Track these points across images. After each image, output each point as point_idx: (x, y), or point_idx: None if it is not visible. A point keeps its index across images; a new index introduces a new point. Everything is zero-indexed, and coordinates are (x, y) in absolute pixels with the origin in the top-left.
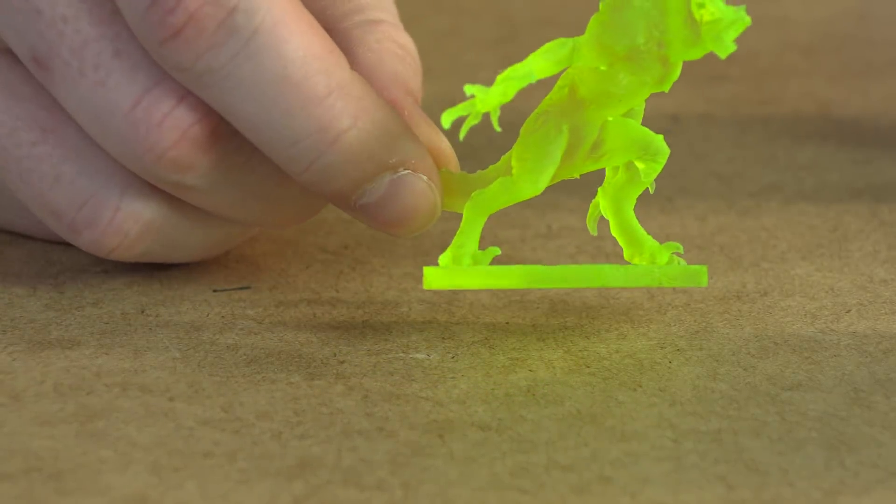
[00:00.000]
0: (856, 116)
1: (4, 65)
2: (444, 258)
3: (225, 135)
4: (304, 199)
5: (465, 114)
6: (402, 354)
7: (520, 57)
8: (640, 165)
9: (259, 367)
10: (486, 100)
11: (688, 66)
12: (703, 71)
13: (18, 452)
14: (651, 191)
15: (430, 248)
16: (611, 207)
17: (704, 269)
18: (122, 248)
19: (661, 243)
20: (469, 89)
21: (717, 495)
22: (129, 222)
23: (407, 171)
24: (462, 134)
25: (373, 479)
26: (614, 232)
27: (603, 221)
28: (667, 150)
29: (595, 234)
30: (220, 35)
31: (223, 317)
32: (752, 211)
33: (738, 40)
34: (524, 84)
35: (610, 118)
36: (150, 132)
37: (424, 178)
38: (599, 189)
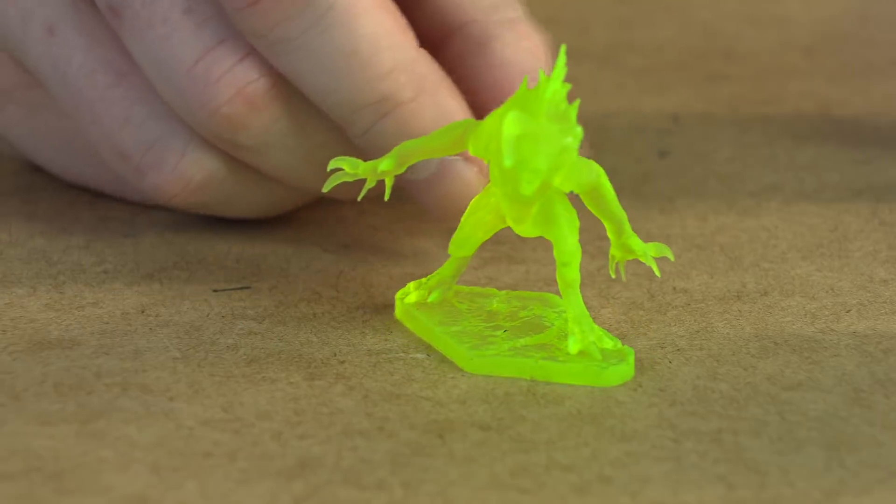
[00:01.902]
0: (856, 116)
1: (86, 8)
2: (406, 289)
3: (280, 99)
4: None
5: (351, 180)
6: (402, 354)
7: None
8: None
9: (259, 367)
10: (383, 167)
11: (688, 66)
12: (703, 71)
13: (18, 452)
14: (657, 274)
15: (430, 248)
16: (558, 279)
17: (620, 364)
18: (183, 194)
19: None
20: (336, 163)
21: (717, 495)
22: (193, 169)
23: (459, 158)
24: (361, 195)
25: (373, 479)
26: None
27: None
28: (572, 251)
29: (614, 276)
30: (297, 7)
31: (223, 317)
32: (752, 211)
33: (738, 40)
34: (417, 160)
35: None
36: (207, 88)
37: (476, 168)
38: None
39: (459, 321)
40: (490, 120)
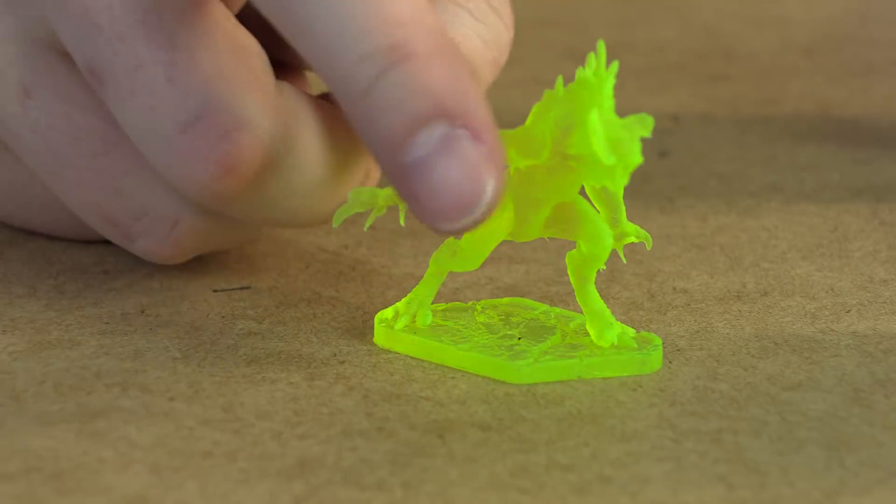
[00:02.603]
0: (856, 116)
1: (64, 70)
2: (384, 313)
3: (272, 167)
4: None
5: (361, 210)
6: (402, 354)
7: (520, 56)
8: (583, 248)
9: (259, 367)
10: (389, 195)
11: (688, 66)
12: (703, 71)
13: (18, 452)
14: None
15: (430, 248)
16: (573, 276)
17: (657, 348)
18: (177, 257)
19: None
20: (356, 195)
21: (717, 495)
22: (187, 235)
23: (465, 131)
24: (367, 224)
25: (373, 479)
26: (578, 300)
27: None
28: (609, 244)
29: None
30: None
31: (223, 317)
32: (752, 211)
33: (738, 40)
34: None
35: (567, 197)
36: (193, 163)
37: (485, 148)
38: (567, 255)
39: (469, 337)
40: (538, 122)
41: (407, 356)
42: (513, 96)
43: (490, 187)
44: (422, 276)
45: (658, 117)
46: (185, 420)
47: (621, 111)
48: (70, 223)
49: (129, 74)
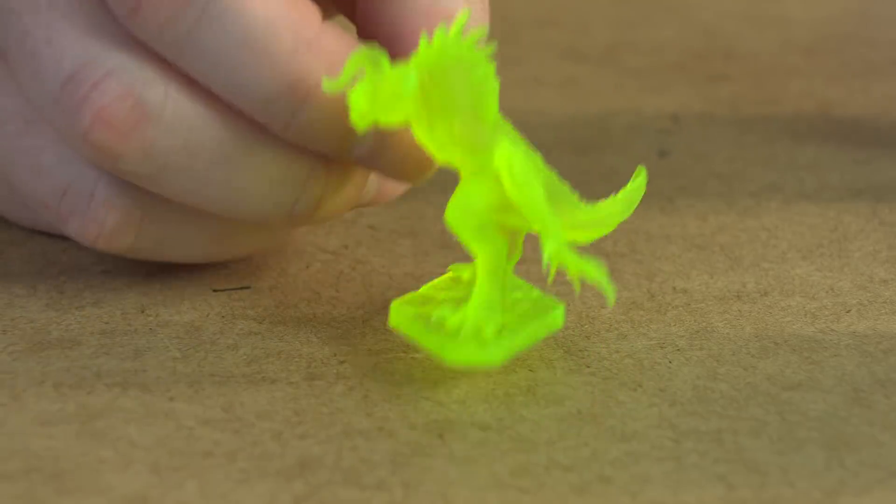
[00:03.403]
0: (856, 116)
1: None
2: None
3: (148, 118)
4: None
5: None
6: (402, 354)
7: (520, 56)
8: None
9: (259, 367)
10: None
11: (688, 66)
12: (703, 71)
13: (18, 452)
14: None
15: (430, 248)
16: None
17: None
18: (103, 237)
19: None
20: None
21: (717, 495)
22: (105, 209)
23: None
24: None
25: (373, 479)
26: None
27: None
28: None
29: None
30: (178, 5)
31: (223, 317)
32: (752, 211)
33: (738, 40)
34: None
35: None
36: (71, 117)
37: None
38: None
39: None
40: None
41: (406, 357)
42: (513, 96)
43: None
44: (422, 276)
45: (658, 117)
46: (185, 420)
47: (622, 111)
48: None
49: (19, 44)
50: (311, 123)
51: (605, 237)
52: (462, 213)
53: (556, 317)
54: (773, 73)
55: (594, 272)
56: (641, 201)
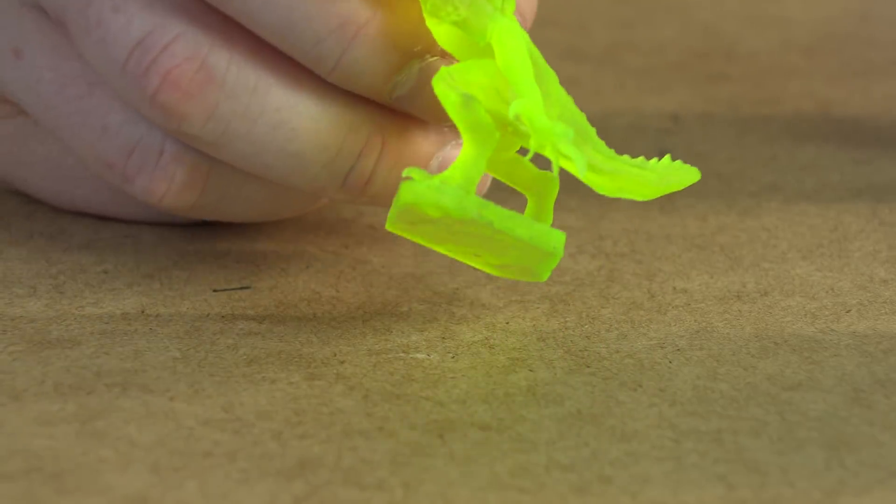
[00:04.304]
0: (856, 116)
1: (49, 25)
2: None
3: (215, 80)
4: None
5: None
6: (402, 354)
7: None
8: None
9: (259, 367)
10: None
11: (688, 66)
12: (703, 71)
13: (18, 452)
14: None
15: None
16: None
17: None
18: (171, 193)
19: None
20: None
21: (717, 495)
22: (174, 164)
23: (435, 58)
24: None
25: (373, 479)
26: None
27: (602, 224)
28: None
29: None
30: None
31: (223, 317)
32: (752, 211)
33: (738, 40)
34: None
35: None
36: (139, 80)
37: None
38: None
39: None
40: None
41: (406, 357)
42: None
43: None
44: (422, 277)
45: (658, 117)
46: (185, 420)
47: (622, 111)
48: (103, 197)
49: (83, 12)
50: (358, 61)
51: (605, 237)
52: (448, 77)
53: (557, 237)
54: (773, 73)
55: (561, 140)
56: (641, 201)
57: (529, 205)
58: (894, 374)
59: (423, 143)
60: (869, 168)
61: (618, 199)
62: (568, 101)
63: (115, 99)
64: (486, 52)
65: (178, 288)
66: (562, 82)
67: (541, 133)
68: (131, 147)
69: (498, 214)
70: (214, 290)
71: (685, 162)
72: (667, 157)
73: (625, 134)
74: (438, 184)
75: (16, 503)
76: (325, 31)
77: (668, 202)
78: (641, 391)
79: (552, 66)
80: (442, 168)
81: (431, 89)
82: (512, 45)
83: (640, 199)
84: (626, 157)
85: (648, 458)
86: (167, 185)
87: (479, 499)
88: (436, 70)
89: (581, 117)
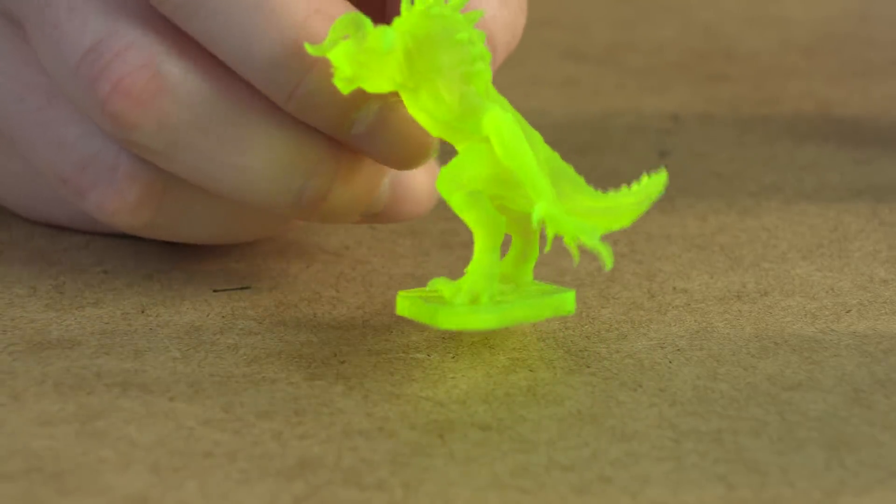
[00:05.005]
0: (856, 116)
1: (11, 31)
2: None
3: (167, 90)
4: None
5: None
6: (402, 354)
7: (521, 56)
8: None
9: (259, 367)
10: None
11: (688, 66)
12: (703, 71)
13: (18, 452)
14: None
15: (430, 248)
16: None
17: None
18: (124, 210)
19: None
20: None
21: (717, 495)
22: (128, 181)
23: (396, 99)
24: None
25: (373, 479)
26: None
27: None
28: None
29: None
30: None
31: (223, 317)
32: (752, 211)
33: (738, 40)
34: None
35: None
36: (90, 85)
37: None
38: None
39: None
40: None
41: (406, 357)
42: (513, 96)
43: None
44: (422, 276)
45: (658, 117)
46: (185, 420)
47: (622, 111)
48: (74, 209)
49: (39, 13)
50: (313, 94)
51: (606, 237)
52: (451, 179)
53: (566, 299)
54: (773, 73)
55: (588, 237)
56: None
57: (514, 243)
58: (894, 374)
59: (376, 164)
60: (869, 168)
61: None
62: (554, 157)
63: (74, 112)
64: (466, 120)
65: (178, 288)
66: (562, 82)
67: (569, 234)
68: (86, 161)
69: (523, 307)
70: (214, 290)
71: (685, 162)
72: (644, 178)
73: (625, 134)
74: (474, 307)
75: (16, 503)
76: (280, 58)
77: (668, 202)
78: (641, 391)
79: (552, 66)
80: (395, 187)
81: (390, 130)
82: (509, 137)
83: (620, 228)
84: (611, 192)
85: (648, 458)
86: (120, 202)
87: (480, 499)
88: (396, 110)
89: (569, 170)
